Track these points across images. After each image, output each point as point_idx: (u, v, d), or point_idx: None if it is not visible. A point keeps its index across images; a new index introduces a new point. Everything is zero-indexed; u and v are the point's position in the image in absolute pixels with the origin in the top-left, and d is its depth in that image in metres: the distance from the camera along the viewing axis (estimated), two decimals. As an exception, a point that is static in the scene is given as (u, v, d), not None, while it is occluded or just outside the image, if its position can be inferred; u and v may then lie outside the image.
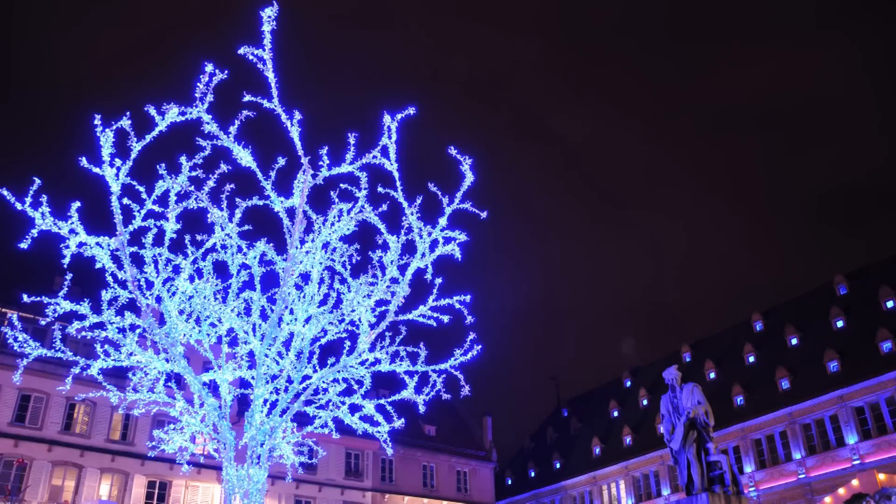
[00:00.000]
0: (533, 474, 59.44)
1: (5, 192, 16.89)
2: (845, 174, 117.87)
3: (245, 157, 17.93)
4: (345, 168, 18.69)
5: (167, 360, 19.35)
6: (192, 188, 18.75)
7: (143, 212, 18.28)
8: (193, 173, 18.56)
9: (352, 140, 18.35)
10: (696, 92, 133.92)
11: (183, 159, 18.44)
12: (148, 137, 17.47)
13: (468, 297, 19.68)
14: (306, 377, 20.45)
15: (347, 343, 20.43)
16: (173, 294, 19.28)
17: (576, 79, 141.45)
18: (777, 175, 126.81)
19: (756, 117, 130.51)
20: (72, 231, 17.47)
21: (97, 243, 17.88)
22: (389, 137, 18.50)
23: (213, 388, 22.17)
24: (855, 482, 29.09)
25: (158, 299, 19.16)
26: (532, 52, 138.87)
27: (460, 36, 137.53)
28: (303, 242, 19.37)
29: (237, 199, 19.73)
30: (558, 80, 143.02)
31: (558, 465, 57.36)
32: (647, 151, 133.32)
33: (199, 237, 20.20)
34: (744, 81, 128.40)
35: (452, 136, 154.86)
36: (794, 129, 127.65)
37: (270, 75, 17.04)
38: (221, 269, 20.43)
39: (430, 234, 19.61)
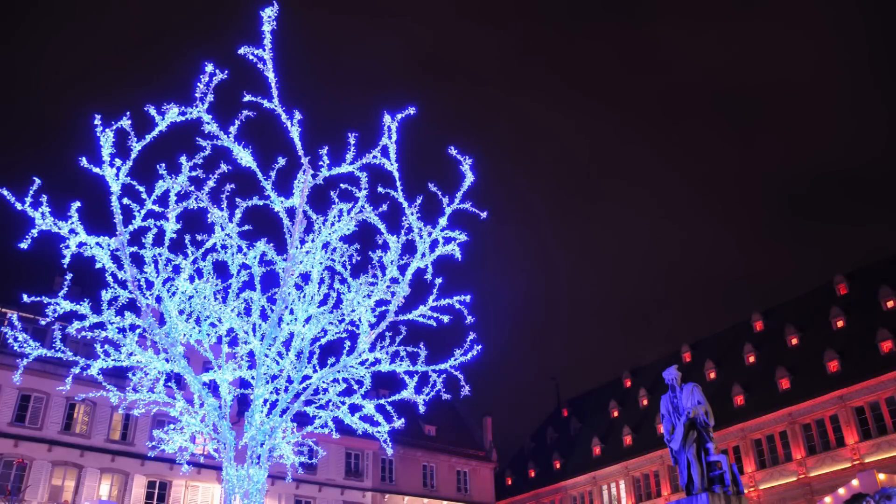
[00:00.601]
0: (533, 474, 59.42)
1: (5, 192, 16.89)
2: (844, 173, 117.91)
3: (245, 157, 17.93)
4: (345, 168, 18.70)
5: (167, 360, 19.35)
6: (192, 188, 18.75)
7: (143, 212, 18.28)
8: (193, 173, 18.57)
9: (352, 140, 18.37)
10: (681, 83, 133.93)
11: (183, 159, 18.45)
12: (148, 137, 17.47)
13: (468, 297, 19.70)
14: (306, 377, 20.44)
15: (347, 343, 20.43)
16: (173, 294, 19.28)
17: (572, 80, 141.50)
18: (777, 175, 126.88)
19: (751, 113, 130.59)
20: (72, 231, 17.47)
21: (97, 243, 17.88)
22: (389, 137, 18.51)
23: (213, 388, 22.16)
24: (855, 482, 29.05)
25: (158, 299, 19.16)
26: (525, 48, 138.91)
27: (459, 35, 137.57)
28: (303, 242, 19.37)
29: (237, 199, 19.74)
30: (556, 80, 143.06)
31: (558, 465, 57.35)
32: (644, 154, 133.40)
33: (199, 237, 20.20)
34: (735, 70, 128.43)
35: (453, 135, 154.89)
36: (791, 128, 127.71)
37: (270, 75, 17.04)
38: (221, 269, 20.44)
39: (430, 234, 19.61)
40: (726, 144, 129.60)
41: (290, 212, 19.02)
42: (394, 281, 19.64)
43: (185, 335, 19.47)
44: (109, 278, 18.46)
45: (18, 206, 16.93)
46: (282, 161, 18.76)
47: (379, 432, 21.10)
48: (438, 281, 19.80)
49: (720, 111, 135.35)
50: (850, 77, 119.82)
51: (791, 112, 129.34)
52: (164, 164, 18.42)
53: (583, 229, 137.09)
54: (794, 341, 46.37)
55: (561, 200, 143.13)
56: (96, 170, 17.44)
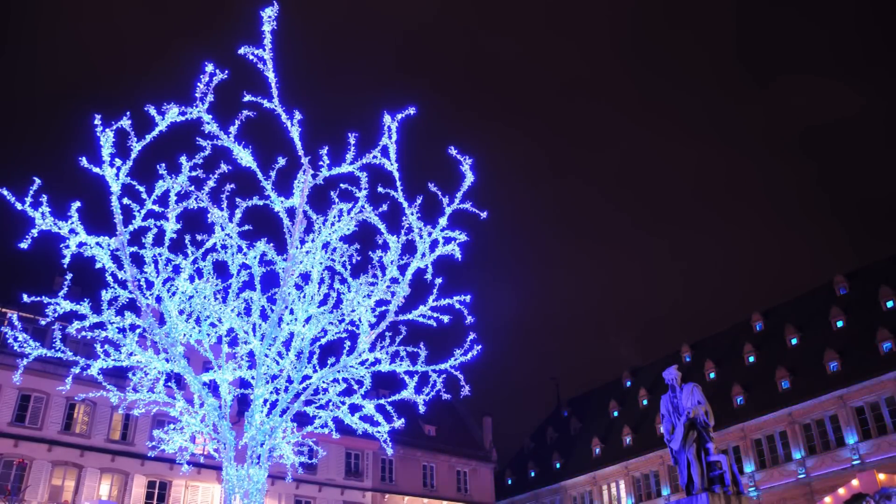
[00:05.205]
0: (533, 474, 59.44)
1: (5, 192, 16.90)
2: (845, 173, 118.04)
3: (245, 157, 17.94)
4: (345, 168, 18.70)
5: (167, 360, 19.35)
6: (192, 188, 18.76)
7: (143, 212, 18.28)
8: (193, 173, 18.57)
9: (352, 140, 18.36)
10: (696, 97, 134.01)
11: (183, 159, 18.45)
12: (148, 137, 17.47)
13: (468, 297, 19.69)
14: (306, 377, 20.45)
15: (347, 343, 20.43)
16: (173, 294, 19.28)
17: (578, 82, 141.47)
18: (777, 177, 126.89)
19: (756, 121, 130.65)
20: (72, 231, 17.47)
21: (97, 243, 17.88)
22: (389, 137, 18.51)
23: (213, 388, 22.16)
24: (855, 482, 29.08)
25: (158, 299, 19.16)
26: (537, 54, 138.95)
27: (461, 35, 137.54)
28: (303, 242, 19.37)
29: (237, 199, 19.74)
30: (562, 82, 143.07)
31: (558, 465, 57.38)
32: (646, 155, 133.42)
33: (199, 237, 20.20)
34: (748, 90, 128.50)
35: (453, 136, 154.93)
36: (792, 134, 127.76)
37: (270, 75, 17.04)
38: (221, 269, 20.44)
39: (430, 234, 19.61)
40: (728, 150, 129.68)
41: (290, 212, 19.02)
42: (394, 281, 19.64)
43: (185, 335, 19.47)
44: (109, 278, 18.45)
45: (18, 206, 16.92)
46: (282, 161, 18.75)
47: (379, 432, 21.09)
48: (438, 281, 19.81)
49: (722, 118, 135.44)
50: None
51: (795, 126, 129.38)
52: (164, 164, 18.43)
53: (582, 228, 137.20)
54: (794, 341, 46.38)
55: (561, 201, 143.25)
56: (96, 170, 17.44)
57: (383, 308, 19.85)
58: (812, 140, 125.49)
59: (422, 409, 21.01)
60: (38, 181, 16.96)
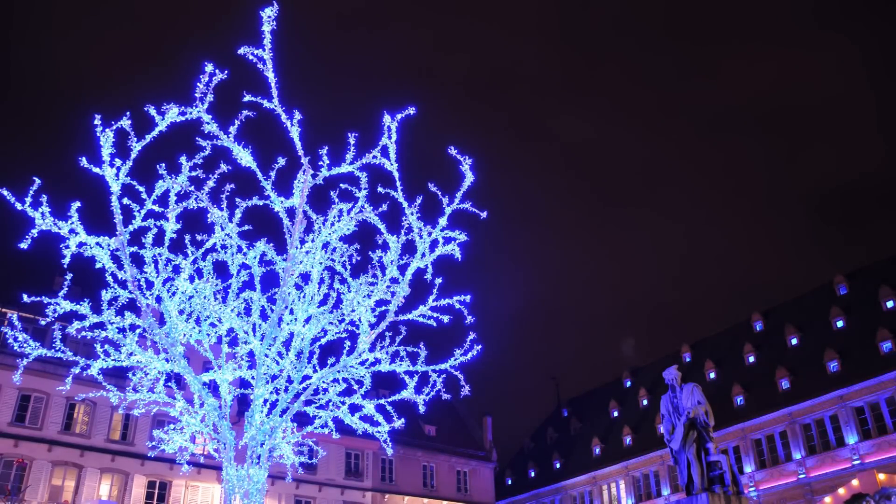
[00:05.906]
0: (533, 474, 59.43)
1: (5, 192, 16.89)
2: (845, 174, 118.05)
3: (245, 157, 17.93)
4: (345, 168, 18.70)
5: (167, 360, 19.35)
6: (192, 188, 18.76)
7: (143, 212, 18.28)
8: (193, 173, 18.57)
9: (352, 140, 18.36)
10: (696, 93, 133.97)
11: (183, 159, 18.46)
12: (148, 137, 17.47)
13: (468, 297, 19.70)
14: (306, 377, 20.45)
15: (347, 343, 20.44)
16: (173, 294, 19.28)
17: (576, 79, 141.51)
18: (777, 175, 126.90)
19: (756, 118, 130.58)
20: (72, 231, 17.47)
21: (97, 243, 17.88)
22: (389, 137, 18.51)
23: (213, 388, 22.17)
24: (855, 482, 29.11)
25: (158, 299, 19.16)
26: (532, 52, 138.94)
27: (461, 35, 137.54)
28: (303, 242, 19.37)
29: (237, 199, 19.74)
30: (558, 79, 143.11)
31: (558, 465, 57.36)
32: (646, 152, 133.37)
33: (199, 237, 20.20)
34: (743, 82, 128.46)
35: (453, 136, 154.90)
36: (793, 129, 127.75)
37: (270, 75, 17.04)
38: (221, 269, 20.44)
39: (430, 234, 19.61)
40: (729, 149, 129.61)
41: (290, 212, 19.02)
42: (394, 281, 19.64)
43: (185, 335, 19.47)
44: (109, 278, 18.46)
45: (18, 206, 16.93)
46: (282, 161, 18.76)
47: (379, 432, 21.10)
48: (438, 281, 19.82)
49: (720, 116, 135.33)
50: (850, 95, 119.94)
51: (792, 118, 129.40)
52: (164, 164, 18.44)
53: (583, 229, 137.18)
54: (794, 341, 46.37)
55: (561, 201, 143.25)
56: (96, 170, 17.44)
57: (383, 308, 19.86)
58: (810, 137, 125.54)
59: (422, 409, 21.02)
60: (38, 181, 16.97)
